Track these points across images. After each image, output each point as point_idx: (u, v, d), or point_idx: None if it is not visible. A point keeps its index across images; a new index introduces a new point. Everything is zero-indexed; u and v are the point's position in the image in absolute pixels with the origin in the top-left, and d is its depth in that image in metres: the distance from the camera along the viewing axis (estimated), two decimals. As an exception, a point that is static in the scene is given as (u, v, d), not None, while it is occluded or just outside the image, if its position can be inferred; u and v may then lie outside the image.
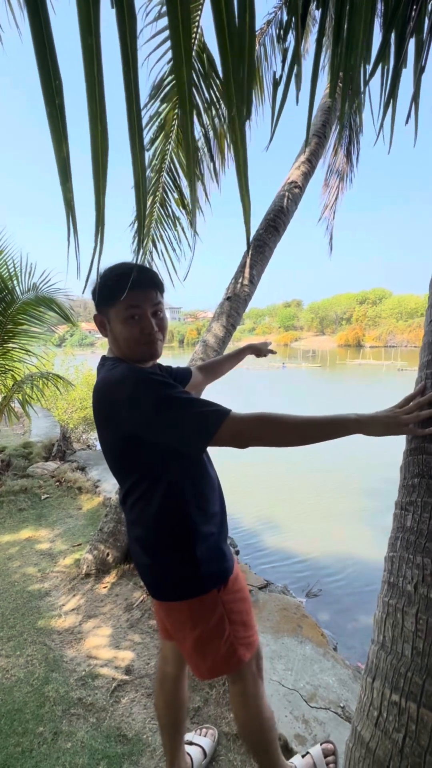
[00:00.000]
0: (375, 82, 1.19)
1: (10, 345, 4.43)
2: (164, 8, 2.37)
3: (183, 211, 3.22)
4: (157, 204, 3.17)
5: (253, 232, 3.00)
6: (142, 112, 0.60)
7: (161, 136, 2.93)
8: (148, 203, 3.12)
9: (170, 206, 3.22)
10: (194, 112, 2.76)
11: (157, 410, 0.94)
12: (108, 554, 2.69)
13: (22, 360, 4.66)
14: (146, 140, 2.93)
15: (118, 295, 1.02)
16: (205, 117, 2.79)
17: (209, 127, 2.90)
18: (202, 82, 2.66)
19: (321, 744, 1.48)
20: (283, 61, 1.25)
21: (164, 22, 2.50)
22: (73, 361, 9.12)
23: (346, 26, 1.03)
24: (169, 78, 2.67)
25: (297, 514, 5.87)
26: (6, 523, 3.52)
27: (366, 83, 1.13)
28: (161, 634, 1.32)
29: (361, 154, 4.15)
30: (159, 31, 2.53)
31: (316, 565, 4.30)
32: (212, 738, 1.56)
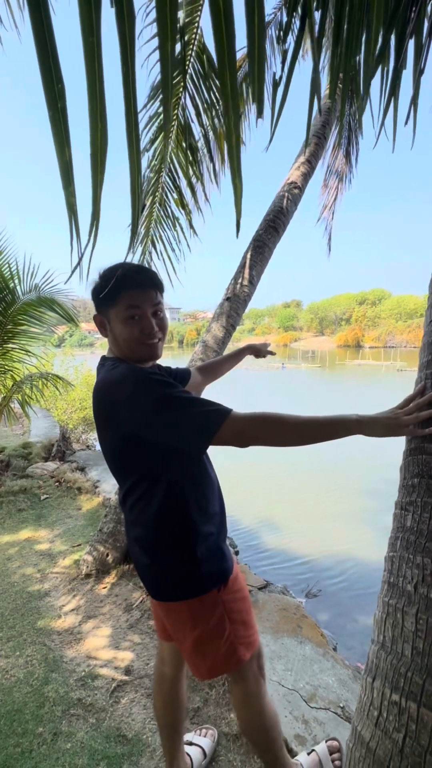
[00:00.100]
0: (374, 83, 1.19)
1: (10, 345, 4.43)
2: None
3: (182, 212, 3.23)
4: (157, 204, 3.17)
5: (252, 229, 3.01)
6: (142, 113, 0.60)
7: (161, 136, 2.93)
8: (148, 203, 3.12)
9: (169, 206, 3.22)
10: (195, 111, 2.77)
11: (158, 410, 0.94)
12: (108, 555, 2.69)
13: (21, 360, 4.66)
14: (146, 141, 2.93)
15: (118, 295, 1.02)
16: (204, 117, 2.79)
17: (209, 127, 2.90)
18: (201, 83, 2.67)
19: (326, 741, 1.49)
20: (283, 62, 1.26)
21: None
22: (72, 361, 9.12)
23: (345, 27, 1.03)
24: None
25: (297, 515, 5.87)
26: (5, 524, 3.51)
27: (367, 85, 1.13)
28: (159, 634, 1.32)
29: (360, 154, 4.16)
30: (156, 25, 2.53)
31: (316, 566, 4.30)
32: (212, 738, 1.56)
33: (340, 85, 1.19)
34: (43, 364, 5.30)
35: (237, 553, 4.40)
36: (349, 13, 1.04)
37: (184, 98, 2.73)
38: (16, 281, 4.15)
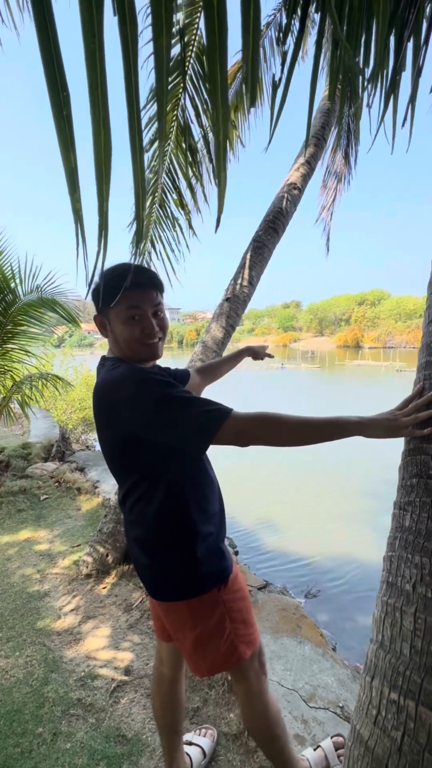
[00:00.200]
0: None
1: (10, 346, 4.43)
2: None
3: (182, 212, 3.23)
4: (156, 205, 3.17)
5: (251, 229, 3.01)
6: (142, 113, 0.60)
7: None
8: (147, 204, 3.12)
9: (169, 207, 3.22)
10: (195, 112, 2.77)
11: (158, 410, 0.95)
12: (107, 555, 2.69)
13: (21, 361, 4.66)
14: (145, 141, 2.93)
15: (117, 295, 1.02)
16: (204, 118, 2.80)
17: (208, 128, 2.91)
18: (201, 85, 2.68)
19: (332, 737, 1.50)
20: (282, 64, 1.26)
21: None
22: (72, 361, 9.11)
23: (345, 29, 1.04)
24: (168, 79, 2.68)
25: (298, 516, 5.86)
26: (5, 524, 3.51)
27: (365, 87, 1.14)
28: (158, 634, 1.32)
29: (360, 155, 4.17)
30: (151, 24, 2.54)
31: (316, 568, 4.28)
32: (211, 738, 1.56)
33: (340, 87, 1.20)
34: (42, 364, 5.29)
35: (237, 554, 4.39)
36: (348, 15, 1.04)
37: (184, 99, 2.74)
38: (17, 281, 4.14)
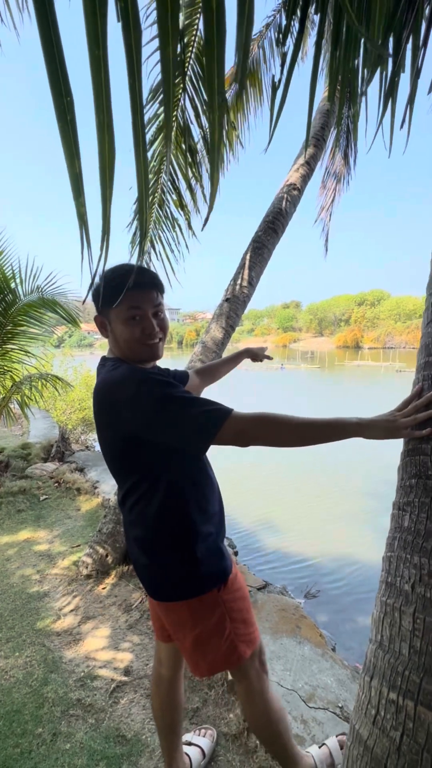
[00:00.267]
0: (372, 86, 1.20)
1: (9, 346, 4.43)
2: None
3: (181, 213, 3.23)
4: (156, 205, 3.18)
5: (251, 230, 3.01)
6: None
7: (160, 137, 2.94)
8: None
9: (169, 207, 3.23)
10: (194, 113, 2.78)
11: (159, 410, 0.95)
12: (107, 555, 2.69)
13: (20, 361, 4.66)
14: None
15: (118, 296, 1.02)
16: (203, 119, 2.80)
17: (208, 129, 2.91)
18: (201, 85, 2.68)
19: (337, 736, 1.50)
20: (282, 65, 1.26)
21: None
22: (71, 362, 9.11)
23: (344, 30, 1.04)
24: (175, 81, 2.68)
25: (297, 516, 5.86)
26: (4, 525, 3.51)
27: (364, 88, 1.14)
28: (157, 635, 1.32)
29: (359, 155, 4.17)
30: (158, 34, 2.54)
31: (316, 569, 4.28)
32: (211, 738, 1.56)
33: (339, 88, 1.20)
34: (42, 364, 5.29)
35: (236, 554, 4.39)
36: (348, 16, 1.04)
37: (184, 100, 2.74)
38: (17, 282, 4.14)
